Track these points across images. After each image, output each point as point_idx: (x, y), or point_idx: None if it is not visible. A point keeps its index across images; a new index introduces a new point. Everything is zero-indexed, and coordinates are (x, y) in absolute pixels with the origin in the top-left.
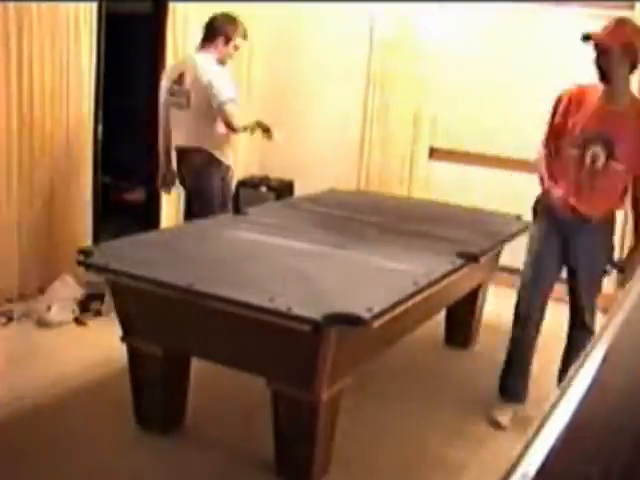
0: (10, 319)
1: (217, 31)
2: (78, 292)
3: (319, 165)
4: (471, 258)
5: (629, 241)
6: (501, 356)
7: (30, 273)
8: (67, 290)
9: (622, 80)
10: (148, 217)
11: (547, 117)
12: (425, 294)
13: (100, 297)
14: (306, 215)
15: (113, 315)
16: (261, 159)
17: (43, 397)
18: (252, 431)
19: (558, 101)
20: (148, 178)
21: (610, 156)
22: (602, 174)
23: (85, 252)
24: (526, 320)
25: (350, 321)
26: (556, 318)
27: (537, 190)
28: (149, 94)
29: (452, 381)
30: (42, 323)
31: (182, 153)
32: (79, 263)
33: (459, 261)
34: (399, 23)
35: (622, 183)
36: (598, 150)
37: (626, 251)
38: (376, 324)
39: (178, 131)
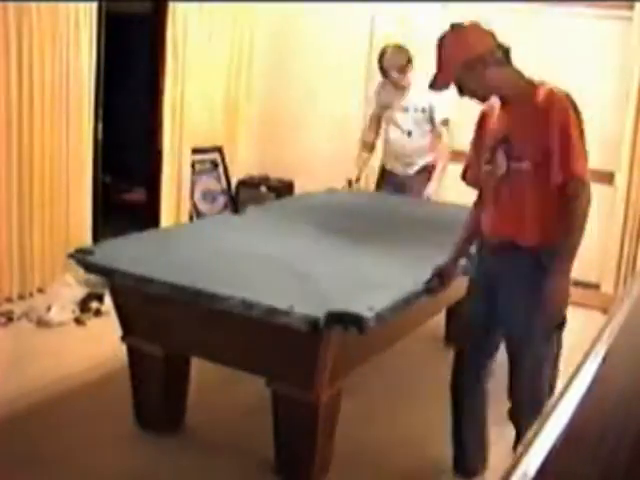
0: (10, 319)
1: None
2: (78, 292)
3: (319, 165)
4: (472, 257)
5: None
6: (501, 356)
7: (30, 273)
8: (67, 290)
9: (495, 87)
10: (148, 217)
11: None
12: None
13: (100, 297)
14: (305, 215)
15: (113, 315)
16: (261, 159)
17: (43, 397)
18: (252, 431)
19: None
20: (148, 178)
21: (510, 157)
22: (506, 180)
23: (85, 252)
24: None
25: (351, 320)
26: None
27: None
28: (149, 94)
29: None
30: (42, 323)
31: None
32: (79, 263)
33: None
34: (399, 23)
35: (534, 190)
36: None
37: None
38: (377, 323)
39: None
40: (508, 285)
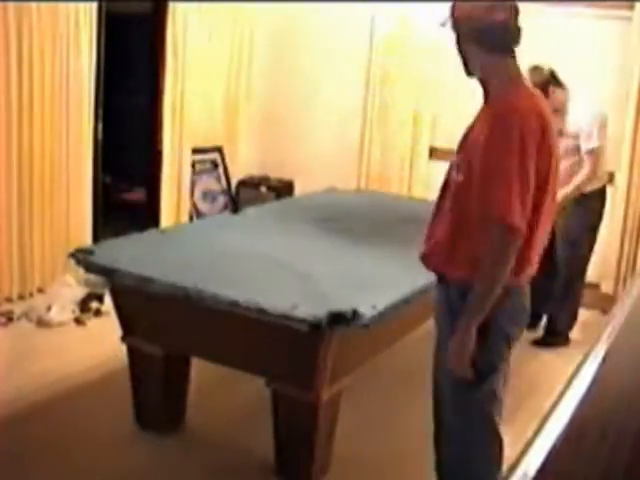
0: (10, 319)
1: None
2: (78, 292)
3: (319, 165)
4: None
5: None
6: None
7: (30, 273)
8: (67, 290)
9: (479, 69)
10: (148, 217)
11: None
12: (425, 293)
13: (100, 297)
14: (305, 215)
15: (113, 315)
16: (261, 159)
17: (43, 397)
18: (252, 431)
19: None
20: (148, 178)
21: (453, 164)
22: (443, 192)
23: (85, 252)
24: None
25: (353, 320)
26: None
27: None
28: (149, 94)
29: None
30: (42, 323)
31: None
32: (78, 263)
33: None
34: (399, 23)
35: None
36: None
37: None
38: (378, 323)
39: None
40: (436, 321)
